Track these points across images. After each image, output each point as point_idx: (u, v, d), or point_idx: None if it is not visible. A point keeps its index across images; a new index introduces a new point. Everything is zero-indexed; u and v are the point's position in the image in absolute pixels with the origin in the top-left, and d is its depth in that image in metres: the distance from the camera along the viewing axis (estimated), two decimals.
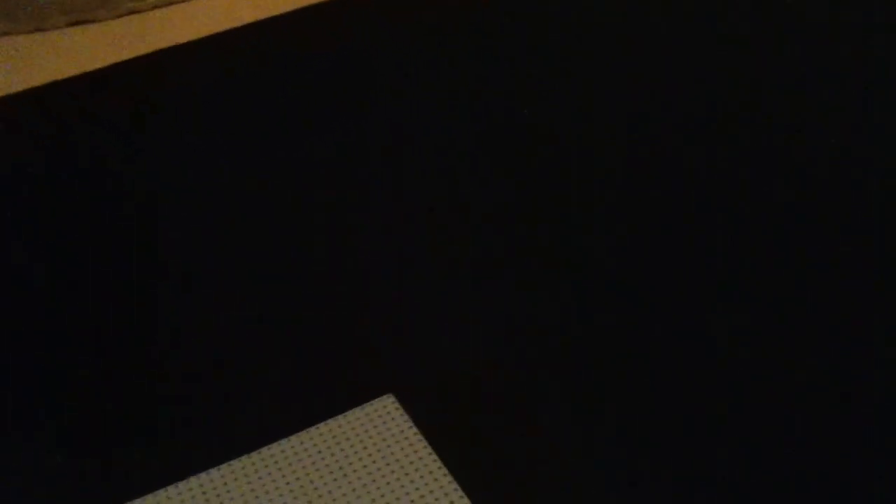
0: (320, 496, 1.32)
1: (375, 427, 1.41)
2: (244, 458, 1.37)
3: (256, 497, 1.32)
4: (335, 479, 1.34)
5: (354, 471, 1.35)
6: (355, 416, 1.43)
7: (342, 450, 1.38)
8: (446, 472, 1.33)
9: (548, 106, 2.06)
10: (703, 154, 1.91)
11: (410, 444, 1.38)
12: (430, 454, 1.36)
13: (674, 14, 2.34)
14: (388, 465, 1.35)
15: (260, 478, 1.34)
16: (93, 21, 2.41)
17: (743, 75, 2.13)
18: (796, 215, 1.76)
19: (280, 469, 1.35)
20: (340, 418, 1.42)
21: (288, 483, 1.34)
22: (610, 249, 1.70)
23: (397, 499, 1.31)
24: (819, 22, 2.29)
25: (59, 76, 2.25)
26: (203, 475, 1.35)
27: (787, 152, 1.90)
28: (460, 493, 1.31)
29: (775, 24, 2.29)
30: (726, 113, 2.02)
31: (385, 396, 1.45)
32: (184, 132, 2.04)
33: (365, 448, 1.38)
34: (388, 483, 1.33)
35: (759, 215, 1.76)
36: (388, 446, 1.38)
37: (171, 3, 2.46)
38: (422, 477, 1.33)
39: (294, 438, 1.40)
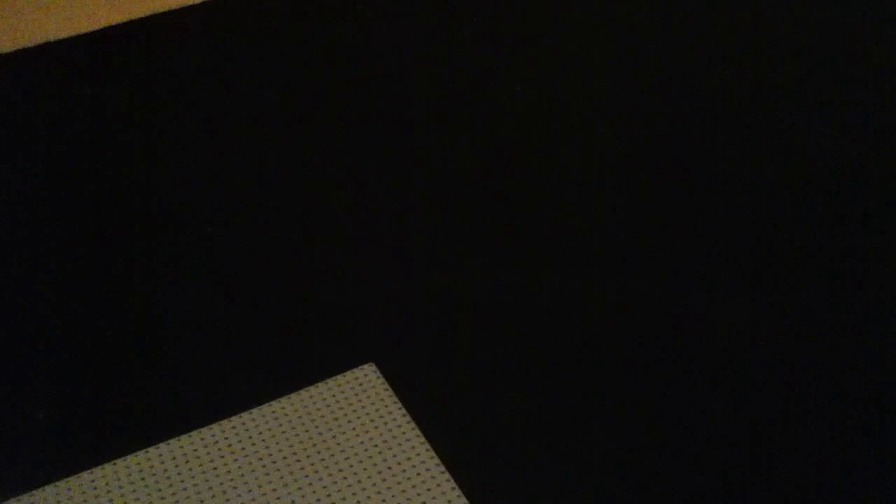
0: (300, 457, 1.33)
1: (355, 393, 1.42)
2: (225, 422, 1.39)
3: (235, 459, 1.34)
4: (314, 443, 1.35)
5: (333, 436, 1.36)
6: (337, 382, 1.44)
7: (322, 415, 1.39)
8: (420, 433, 1.34)
9: (542, 84, 2.07)
10: (701, 138, 1.91)
11: (388, 409, 1.39)
12: (406, 419, 1.37)
13: (672, 4, 2.35)
14: (365, 429, 1.36)
15: (240, 441, 1.36)
16: None
17: (744, 67, 2.13)
18: (795, 211, 1.75)
19: (262, 431, 1.37)
20: (322, 385, 1.44)
21: (276, 443, 1.35)
22: (600, 233, 1.70)
23: (370, 457, 1.32)
24: (819, 21, 2.29)
25: (54, 37, 2.30)
26: (184, 438, 1.37)
27: (787, 146, 1.90)
28: (433, 456, 1.31)
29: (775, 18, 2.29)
30: (726, 101, 2.02)
31: (367, 365, 1.47)
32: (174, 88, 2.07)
33: (344, 413, 1.39)
34: (363, 444, 1.34)
35: (754, 205, 1.76)
36: (367, 413, 1.39)
37: None
38: (396, 439, 1.34)
39: (275, 403, 1.41)
